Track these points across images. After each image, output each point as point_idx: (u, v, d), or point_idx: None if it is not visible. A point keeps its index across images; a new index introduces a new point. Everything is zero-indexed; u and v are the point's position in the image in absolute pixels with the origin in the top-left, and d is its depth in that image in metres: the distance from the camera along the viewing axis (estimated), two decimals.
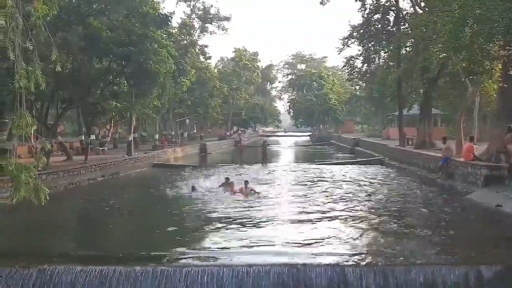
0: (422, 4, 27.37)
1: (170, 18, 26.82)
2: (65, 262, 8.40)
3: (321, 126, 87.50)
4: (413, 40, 26.92)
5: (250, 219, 12.73)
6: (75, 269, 7.89)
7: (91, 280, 7.73)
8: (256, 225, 11.92)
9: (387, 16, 33.44)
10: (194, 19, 57.16)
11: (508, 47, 16.23)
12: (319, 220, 12.56)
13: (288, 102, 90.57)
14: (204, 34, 57.82)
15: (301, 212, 13.66)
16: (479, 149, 18.50)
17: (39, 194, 8.03)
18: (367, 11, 33.25)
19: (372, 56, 36.82)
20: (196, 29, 56.36)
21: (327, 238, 10.50)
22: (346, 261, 8.34)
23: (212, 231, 11.38)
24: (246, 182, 17.36)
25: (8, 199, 8.02)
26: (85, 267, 7.96)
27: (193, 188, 18.16)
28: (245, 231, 11.26)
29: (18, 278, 7.83)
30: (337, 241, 10.17)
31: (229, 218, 12.82)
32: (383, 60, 37.89)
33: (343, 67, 45.52)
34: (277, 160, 38.77)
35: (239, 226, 11.73)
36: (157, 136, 43.46)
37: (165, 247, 9.90)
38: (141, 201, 17.22)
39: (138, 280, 7.71)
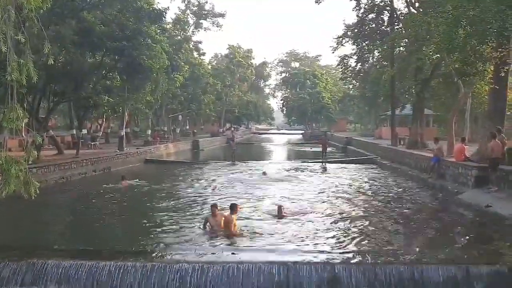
0: (417, 4, 27.47)
1: (164, 13, 26.66)
2: (55, 256, 8.37)
3: (313, 125, 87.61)
4: (406, 40, 27.05)
5: (241, 215, 12.75)
6: (65, 264, 7.86)
7: (81, 275, 7.70)
8: (247, 222, 11.91)
9: (382, 16, 33.52)
10: (188, 14, 56.93)
11: (500, 49, 16.33)
12: (309, 218, 12.58)
13: (281, 100, 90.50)
14: (199, 30, 57.71)
15: (291, 210, 13.67)
16: (470, 150, 18.64)
17: (29, 188, 7.96)
18: (361, 11, 33.31)
19: (366, 55, 36.88)
20: (190, 25, 56.13)
21: (318, 236, 10.54)
22: (336, 259, 8.38)
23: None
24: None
25: None
26: (75, 261, 7.93)
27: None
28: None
29: (8, 271, 7.79)
30: (327, 240, 10.22)
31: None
32: (376, 60, 38.00)
33: (337, 65, 45.57)
34: (271, 158, 38.88)
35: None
36: (149, 132, 43.30)
37: (156, 243, 9.89)
38: (132, 197, 17.15)
39: (129, 275, 7.69)
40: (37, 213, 12.78)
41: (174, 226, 11.59)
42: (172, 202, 15.20)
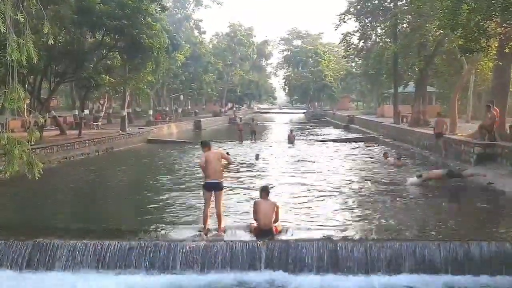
0: None
1: None
2: (61, 235, 8.45)
3: (316, 103, 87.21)
4: (410, 16, 26.72)
5: (243, 193, 12.85)
6: (71, 243, 7.95)
7: (87, 254, 7.79)
8: (249, 200, 11.98)
9: None
10: None
11: (505, 25, 16.12)
12: (310, 196, 12.65)
13: (283, 79, 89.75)
14: (199, 8, 57.05)
15: (291, 188, 13.74)
16: (473, 128, 18.57)
17: (33, 168, 8.00)
18: None
19: (369, 32, 36.55)
20: (190, 2, 55.51)
21: (319, 213, 10.61)
22: (337, 236, 8.46)
23: None
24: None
25: (1, 174, 8.00)
26: (81, 241, 8.02)
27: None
28: (238, 207, 11.33)
29: (14, 250, 7.89)
30: (328, 217, 10.27)
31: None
32: (379, 37, 37.63)
33: (339, 43, 45.24)
34: (271, 137, 38.88)
35: (233, 201, 11.80)
36: (151, 112, 43.26)
37: (161, 222, 9.96)
38: (135, 176, 17.24)
39: (134, 254, 7.78)
40: (41, 193, 12.87)
41: (181, 205, 11.67)
42: (178, 181, 15.27)
